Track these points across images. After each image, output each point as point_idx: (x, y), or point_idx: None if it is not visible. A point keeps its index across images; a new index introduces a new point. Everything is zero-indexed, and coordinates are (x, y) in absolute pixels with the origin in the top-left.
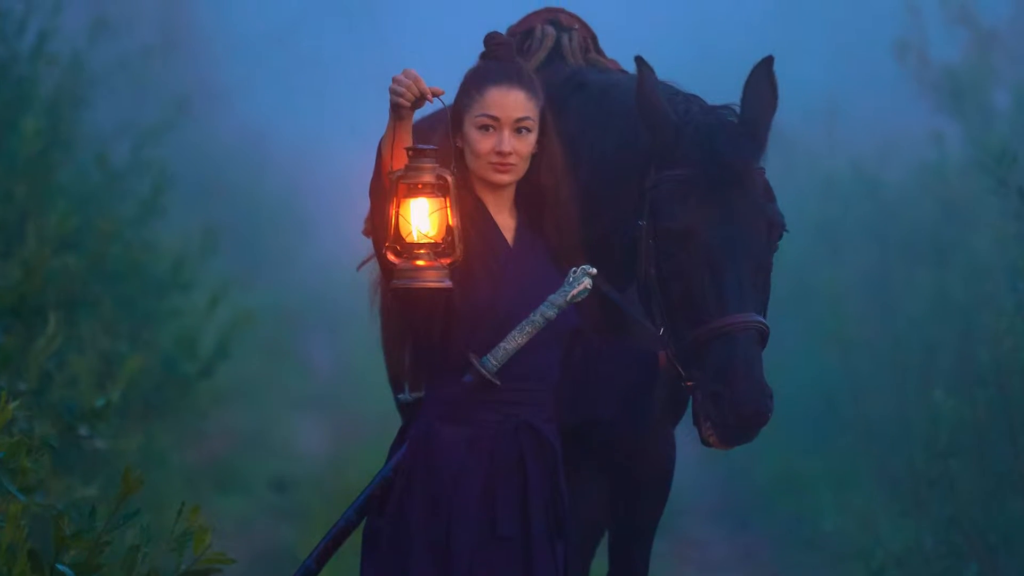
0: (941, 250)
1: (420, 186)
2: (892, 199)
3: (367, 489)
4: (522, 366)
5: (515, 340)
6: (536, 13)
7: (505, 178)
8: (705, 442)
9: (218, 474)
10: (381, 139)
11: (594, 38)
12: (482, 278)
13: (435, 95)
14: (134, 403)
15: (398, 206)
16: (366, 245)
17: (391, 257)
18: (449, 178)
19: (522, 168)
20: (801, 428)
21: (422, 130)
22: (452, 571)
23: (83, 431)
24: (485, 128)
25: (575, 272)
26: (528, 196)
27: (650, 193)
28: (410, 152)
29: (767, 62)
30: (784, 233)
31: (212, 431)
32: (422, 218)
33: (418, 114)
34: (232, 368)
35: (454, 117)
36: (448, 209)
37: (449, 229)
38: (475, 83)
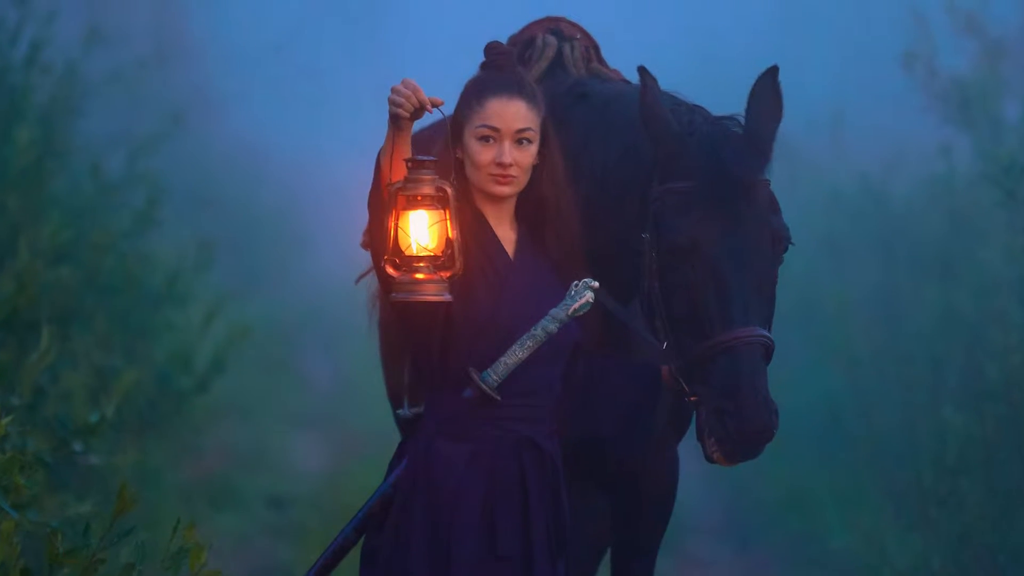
0: (949, 264)
1: (419, 198)
2: (899, 212)
3: (365, 506)
4: (523, 381)
5: (516, 355)
6: (537, 22)
7: (506, 190)
8: (709, 458)
9: (214, 491)
10: (380, 150)
11: (596, 48)
12: (482, 291)
13: (435, 105)
14: (129, 418)
15: (397, 218)
16: (364, 258)
17: (390, 270)
18: (449, 190)
19: (523, 180)
20: (807, 444)
21: (421, 141)
22: None
23: (77, 447)
24: (485, 139)
25: (577, 285)
26: (529, 208)
27: (653, 205)
28: (409, 163)
29: (772, 72)
30: (789, 246)
31: (208, 447)
32: (421, 230)
33: (417, 125)
34: (228, 383)
35: (454, 128)
36: (448, 221)
37: (449, 242)
38: (475, 93)
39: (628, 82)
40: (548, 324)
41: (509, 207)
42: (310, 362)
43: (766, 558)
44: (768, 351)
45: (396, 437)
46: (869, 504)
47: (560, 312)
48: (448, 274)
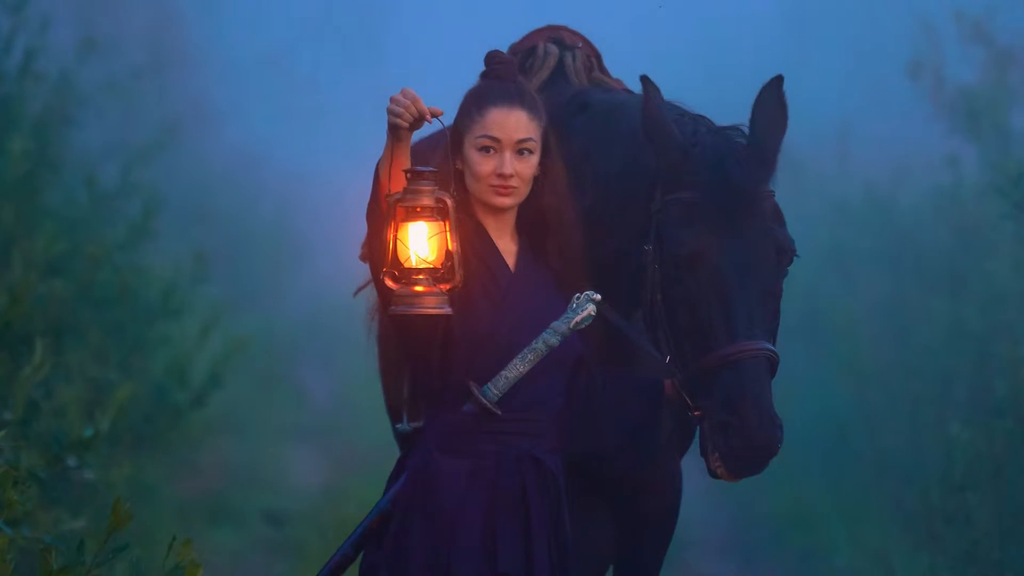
0: (956, 276)
1: (419, 209)
2: (906, 224)
3: (364, 522)
4: (524, 395)
5: (517, 368)
6: (538, 31)
7: (506, 201)
8: (713, 474)
9: (210, 507)
10: (378, 161)
11: (598, 56)
12: (483, 304)
13: (434, 115)
14: (123, 433)
15: (396, 230)
16: (363, 270)
17: (389, 283)
18: (448, 201)
19: (524, 191)
20: (812, 459)
21: (421, 151)
22: None
23: (71, 462)
24: (486, 150)
25: (579, 298)
26: (530, 220)
27: (656, 217)
28: (408, 174)
29: (777, 81)
30: (794, 258)
31: (204, 462)
32: (421, 242)
33: (417, 135)
34: (224, 397)
35: (454, 138)
36: (448, 233)
37: (448, 254)
38: (475, 103)
39: (631, 91)
40: (549, 337)
41: (510, 219)
42: (308, 376)
43: (770, 575)
44: (773, 365)
45: (395, 452)
46: (875, 520)
47: (562, 325)
48: (448, 287)
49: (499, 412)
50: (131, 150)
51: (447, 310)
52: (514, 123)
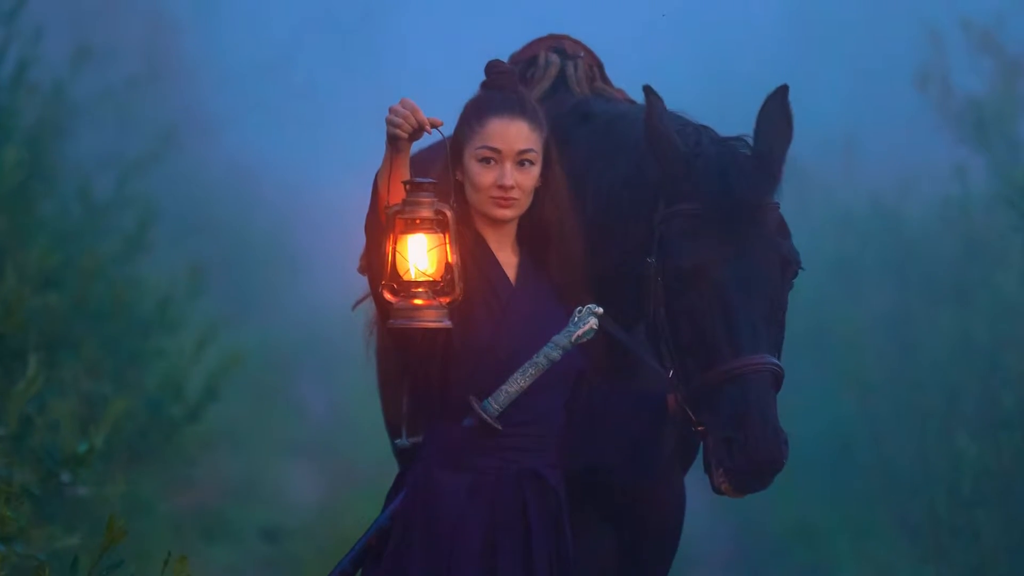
0: (964, 289)
1: (418, 221)
2: (912, 235)
3: (363, 538)
4: (525, 410)
5: (517, 383)
6: (540, 40)
7: (507, 213)
8: (717, 489)
9: (206, 523)
10: (377, 172)
11: (600, 66)
12: (483, 317)
13: (434, 126)
14: (118, 448)
15: (395, 242)
16: (361, 283)
17: (388, 296)
18: (448, 213)
19: (525, 202)
20: (817, 474)
21: (420, 163)
22: None
23: (65, 477)
24: (486, 161)
25: (580, 311)
26: (531, 232)
27: (659, 228)
28: (408, 186)
29: (781, 91)
30: (799, 271)
31: (200, 478)
32: (420, 255)
33: (416, 146)
34: (221, 412)
35: (454, 149)
36: (447, 245)
37: (448, 266)
38: (476, 114)
39: (633, 102)
40: (551, 351)
41: (511, 231)
42: (305, 390)
43: None
44: (777, 379)
45: (394, 467)
46: (881, 535)
47: (563, 339)
48: (447, 300)
49: (499, 427)
50: (126, 161)
51: (447, 324)
52: (515, 134)
